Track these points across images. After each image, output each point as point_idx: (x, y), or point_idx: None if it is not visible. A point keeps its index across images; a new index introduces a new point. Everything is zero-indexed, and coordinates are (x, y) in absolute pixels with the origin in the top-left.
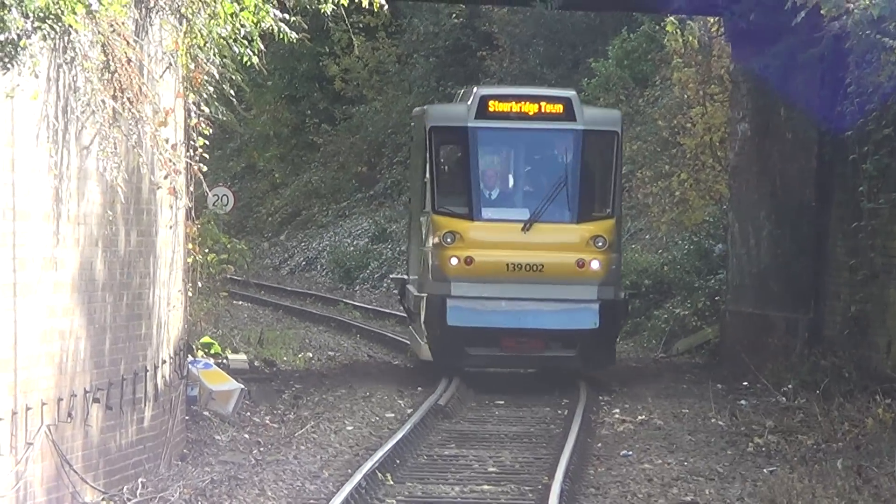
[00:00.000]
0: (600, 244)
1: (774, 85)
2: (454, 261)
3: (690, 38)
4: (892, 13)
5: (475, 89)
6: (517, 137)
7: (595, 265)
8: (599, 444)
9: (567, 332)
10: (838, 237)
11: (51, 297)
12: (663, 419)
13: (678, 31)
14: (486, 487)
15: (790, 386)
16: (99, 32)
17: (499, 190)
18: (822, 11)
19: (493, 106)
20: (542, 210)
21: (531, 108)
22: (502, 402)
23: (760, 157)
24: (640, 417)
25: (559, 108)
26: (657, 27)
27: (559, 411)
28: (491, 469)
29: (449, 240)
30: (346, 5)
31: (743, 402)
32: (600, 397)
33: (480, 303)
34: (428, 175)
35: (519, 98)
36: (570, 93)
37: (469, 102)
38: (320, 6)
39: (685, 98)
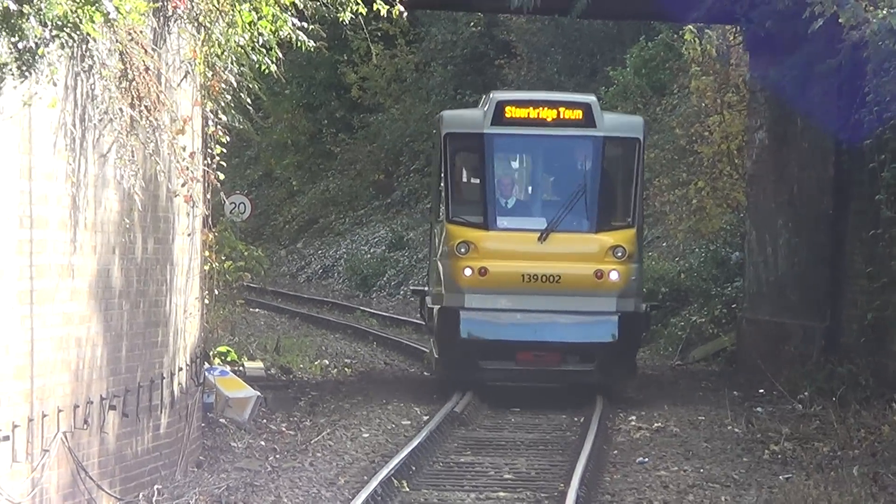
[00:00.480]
0: (619, 255)
1: (792, 94)
2: (468, 271)
3: (708, 47)
4: None
5: (492, 94)
6: (535, 144)
7: (614, 276)
8: (615, 451)
9: (585, 345)
10: (856, 245)
11: (67, 304)
12: (679, 426)
13: (696, 39)
14: (501, 494)
15: (806, 393)
16: (117, 41)
17: (515, 198)
18: (840, 21)
19: (510, 112)
20: (559, 219)
21: (549, 114)
22: (518, 410)
23: (778, 166)
24: (656, 425)
25: (578, 114)
26: (675, 36)
27: (575, 418)
28: (507, 476)
29: (463, 250)
30: (364, 14)
31: (759, 409)
32: (616, 407)
33: (495, 315)
34: (442, 183)
35: (537, 104)
36: (590, 98)
37: (485, 108)
38: (339, 15)
39: (703, 106)
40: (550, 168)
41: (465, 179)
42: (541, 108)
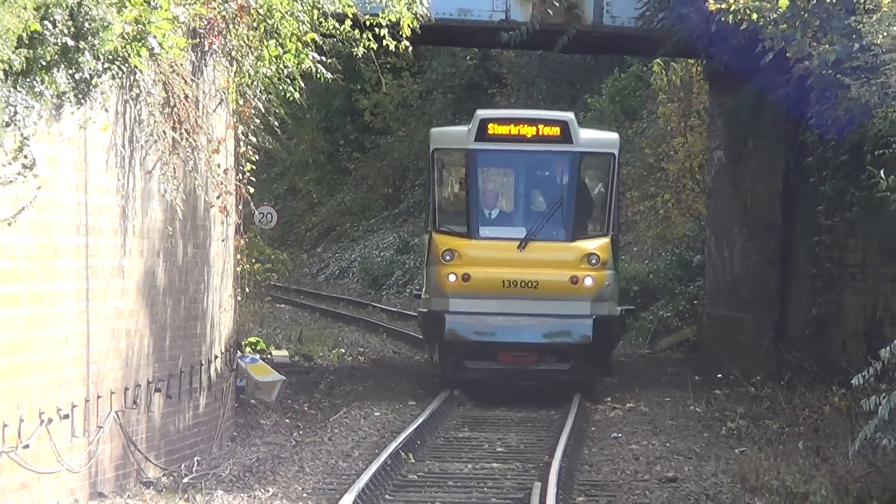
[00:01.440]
0: (594, 262)
1: (746, 119)
2: (452, 277)
3: (674, 78)
4: (848, 56)
5: (477, 112)
6: (515, 159)
7: (588, 282)
8: (593, 428)
9: (561, 346)
10: (801, 250)
11: (118, 301)
12: (648, 406)
13: (663, 71)
14: (495, 465)
15: (758, 378)
16: (160, 72)
17: (497, 209)
18: (787, 55)
19: (493, 129)
20: (537, 229)
21: (529, 131)
22: (508, 392)
23: (733, 181)
24: (628, 405)
25: (556, 130)
26: (645, 68)
27: (559, 400)
28: (499, 449)
29: (448, 257)
30: (375, 49)
31: (717, 391)
32: (594, 390)
33: (478, 318)
34: (430, 195)
35: (518, 121)
36: (567, 116)
37: (471, 125)
38: (353, 49)
39: (668, 129)
40: (530, 181)
41: (450, 192)
42: (521, 125)
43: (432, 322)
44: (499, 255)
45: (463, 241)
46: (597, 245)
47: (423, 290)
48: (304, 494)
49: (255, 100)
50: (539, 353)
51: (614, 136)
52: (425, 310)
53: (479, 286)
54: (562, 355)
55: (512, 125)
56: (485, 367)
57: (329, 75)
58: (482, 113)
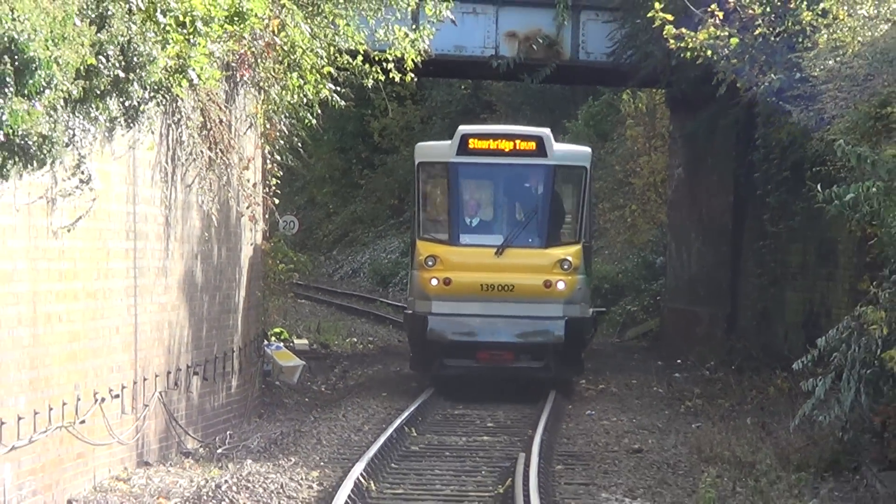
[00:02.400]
0: (566, 267)
1: (702, 140)
2: (434, 281)
3: (640, 105)
4: (789, 86)
5: (459, 128)
6: (494, 171)
7: (561, 286)
8: (570, 406)
9: (535, 345)
10: (749, 253)
11: (162, 296)
12: (618, 388)
13: (631, 99)
14: (485, 438)
15: (712, 363)
16: (198, 100)
17: (476, 218)
18: (737, 85)
19: (473, 143)
20: (513, 236)
21: (507, 145)
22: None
23: (691, 194)
24: (600, 386)
25: (532, 145)
26: (615, 96)
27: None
28: (489, 424)
29: (430, 263)
30: (382, 80)
31: (677, 375)
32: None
33: (458, 319)
34: (416, 205)
35: (496, 136)
36: (543, 131)
37: (453, 140)
38: (364, 81)
39: (635, 149)
40: (507, 192)
41: (433, 202)
42: (500, 140)
43: (416, 323)
44: (478, 260)
45: (444, 248)
46: (569, 251)
47: (408, 293)
48: (322, 463)
49: (280, 124)
50: (515, 352)
51: (587, 150)
52: (410, 311)
53: (459, 289)
54: (536, 354)
55: (491, 140)
56: (464, 365)
57: (343, 103)
58: (464, 128)
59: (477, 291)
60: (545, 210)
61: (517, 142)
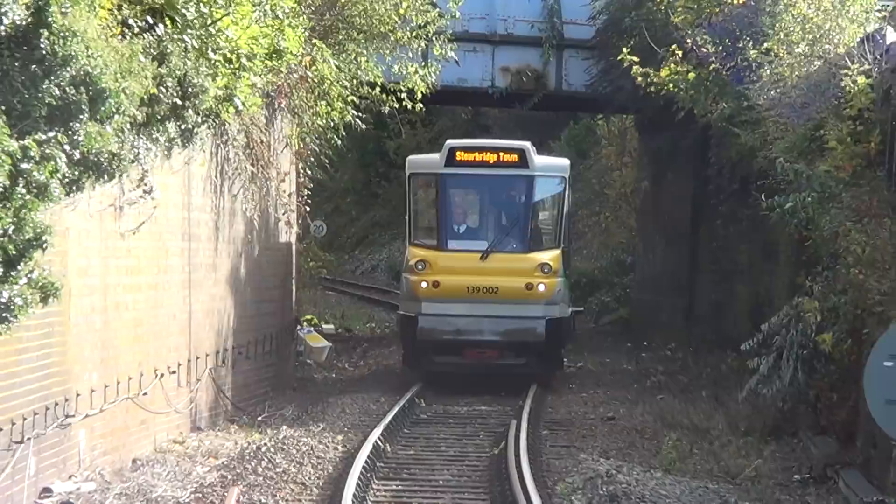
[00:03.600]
0: (546, 270)
1: (665, 158)
2: (424, 284)
3: (613, 128)
4: (738, 113)
5: (447, 142)
6: (479, 182)
7: (541, 288)
8: (554, 382)
9: (518, 343)
10: (705, 253)
11: (211, 289)
12: (594, 366)
13: (605, 123)
14: (483, 407)
15: (673, 345)
16: (243, 124)
17: (463, 225)
18: (694, 112)
19: (460, 156)
20: (498, 242)
21: (491, 158)
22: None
23: (656, 203)
24: (579, 364)
25: (515, 157)
26: (592, 121)
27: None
28: (486, 396)
29: (420, 267)
30: (397, 107)
31: (643, 354)
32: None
33: (446, 319)
34: (407, 213)
35: (482, 149)
36: (524, 144)
37: (441, 153)
38: (381, 108)
39: (609, 165)
40: (491, 201)
41: (424, 210)
42: (485, 153)
43: (406, 323)
44: (464, 264)
45: (433, 253)
46: (549, 256)
47: (400, 295)
48: (346, 429)
49: (311, 143)
50: (499, 350)
51: (565, 162)
52: (401, 312)
53: (447, 291)
54: (519, 351)
55: (477, 153)
56: (452, 362)
57: (363, 126)
58: (451, 142)
59: (463, 293)
60: (527, 217)
61: (501, 154)
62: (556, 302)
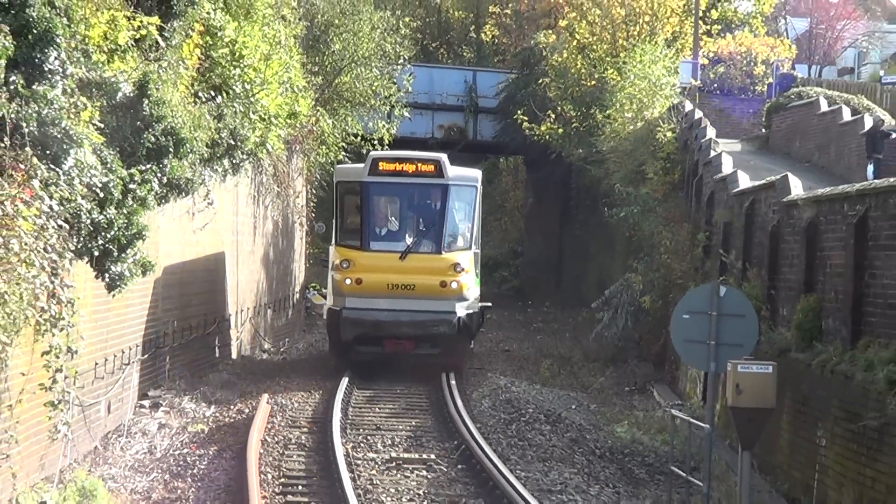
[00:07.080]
0: (458, 269)
1: (543, 184)
2: (348, 281)
3: (510, 163)
4: (590, 154)
5: (371, 153)
6: (399, 189)
7: (454, 285)
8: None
9: (432, 335)
10: (567, 245)
11: (251, 266)
12: (498, 318)
13: (505, 161)
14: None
15: (548, 304)
16: (272, 160)
17: (384, 228)
18: (562, 154)
19: (382, 166)
20: (415, 244)
21: (410, 167)
22: None
23: (538, 213)
24: (487, 316)
25: (431, 167)
26: (496, 159)
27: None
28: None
29: (345, 265)
30: (371, 148)
31: (529, 310)
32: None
33: (368, 313)
34: (334, 216)
35: (401, 160)
36: (440, 156)
37: (364, 163)
38: (361, 150)
39: (507, 188)
40: (410, 206)
41: (349, 214)
42: (404, 164)
43: (332, 316)
44: (385, 263)
45: (357, 253)
46: (461, 257)
47: (327, 291)
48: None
49: (315, 173)
50: (415, 341)
51: (477, 172)
52: (328, 306)
53: (369, 288)
54: (433, 342)
55: (397, 163)
56: (373, 352)
57: (349, 161)
58: (374, 154)
59: (384, 290)
60: (442, 222)
61: (419, 164)
62: (468, 298)
